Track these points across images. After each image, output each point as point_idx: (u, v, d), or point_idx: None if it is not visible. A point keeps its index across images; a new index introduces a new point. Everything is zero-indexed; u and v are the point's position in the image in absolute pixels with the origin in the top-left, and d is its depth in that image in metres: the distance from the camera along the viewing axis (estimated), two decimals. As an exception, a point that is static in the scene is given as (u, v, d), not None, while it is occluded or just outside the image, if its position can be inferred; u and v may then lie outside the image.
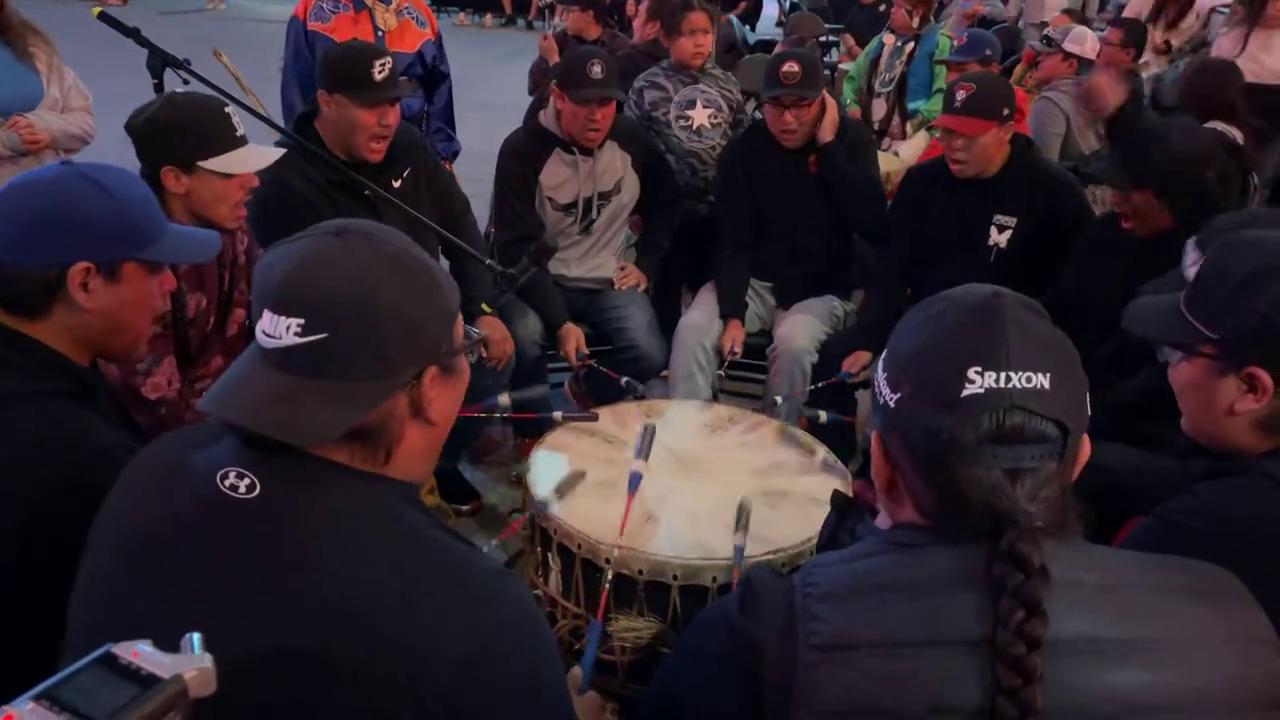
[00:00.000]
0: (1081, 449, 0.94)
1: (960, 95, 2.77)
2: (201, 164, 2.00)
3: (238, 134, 2.06)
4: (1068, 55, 4.31)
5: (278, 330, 0.95)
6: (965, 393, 0.88)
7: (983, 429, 0.88)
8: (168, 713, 0.66)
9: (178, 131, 2.00)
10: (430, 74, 3.67)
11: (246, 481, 0.95)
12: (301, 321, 0.94)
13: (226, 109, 2.07)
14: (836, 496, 1.17)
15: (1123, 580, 0.91)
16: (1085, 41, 4.33)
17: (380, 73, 2.53)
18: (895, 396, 0.93)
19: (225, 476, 0.95)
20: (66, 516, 1.22)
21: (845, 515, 1.12)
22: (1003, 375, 0.88)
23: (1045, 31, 4.80)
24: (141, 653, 0.68)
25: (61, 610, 1.05)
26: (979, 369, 0.88)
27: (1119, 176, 2.42)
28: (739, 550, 1.77)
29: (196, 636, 0.71)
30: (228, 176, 2.03)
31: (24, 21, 2.89)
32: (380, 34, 3.47)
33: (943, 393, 0.89)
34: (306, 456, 0.95)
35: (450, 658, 0.90)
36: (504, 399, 2.05)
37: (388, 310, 0.96)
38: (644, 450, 1.87)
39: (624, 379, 2.36)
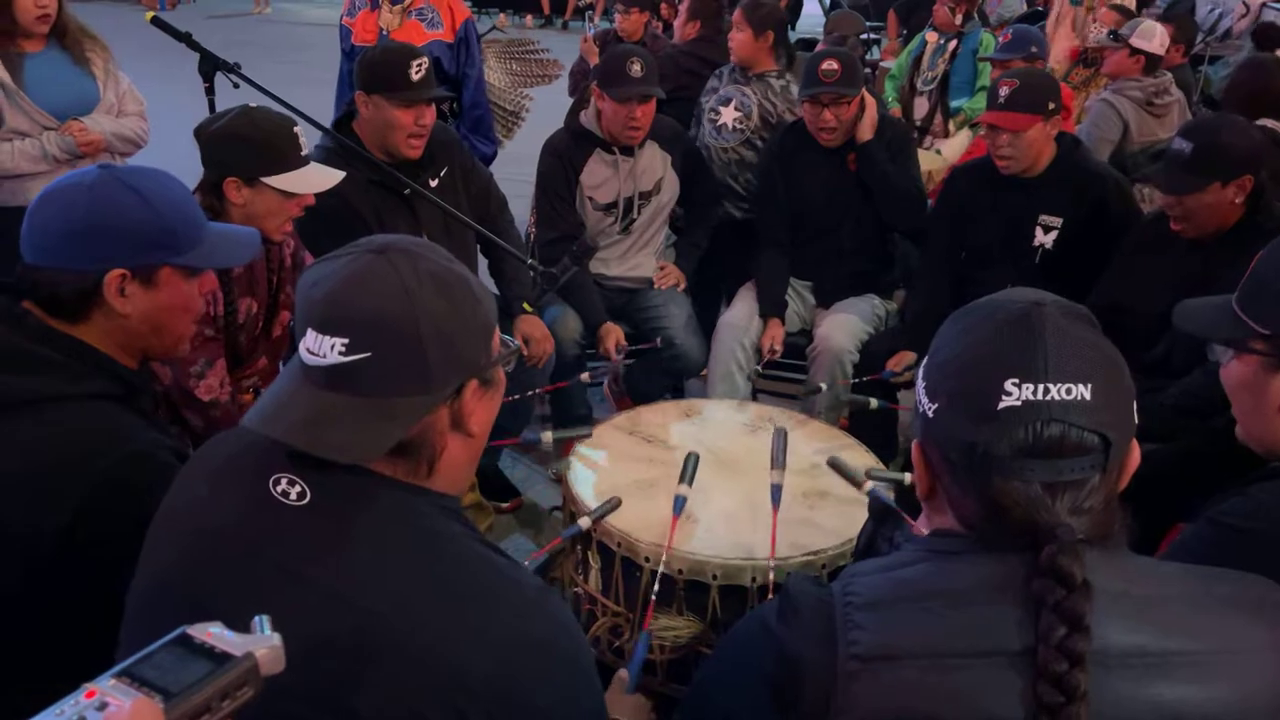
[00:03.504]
0: (1129, 458, 0.92)
1: (1004, 91, 2.73)
2: (266, 180, 2.04)
3: (303, 154, 2.10)
4: (1134, 51, 4.03)
5: (322, 349, 0.97)
6: (1002, 405, 0.87)
7: (1018, 442, 0.87)
8: (241, 687, 0.70)
9: (249, 145, 2.03)
10: (444, 77, 3.55)
11: (298, 489, 0.98)
12: (346, 341, 0.96)
13: (296, 128, 2.11)
14: (874, 504, 1.16)
15: (1168, 592, 0.89)
16: (1154, 37, 4.03)
17: (417, 73, 2.57)
18: (933, 407, 0.93)
19: (278, 482, 0.98)
20: (104, 517, 1.25)
21: (883, 522, 1.11)
22: (1040, 387, 0.86)
23: (1110, 27, 4.61)
24: (214, 633, 0.72)
25: (97, 608, 1.08)
26: (1016, 380, 0.87)
27: (1188, 179, 2.30)
28: (776, 489, 1.78)
29: (265, 618, 0.75)
30: (288, 195, 2.07)
31: (80, 26, 2.93)
32: (384, 33, 3.49)
33: (979, 405, 0.88)
34: (353, 469, 0.98)
35: (482, 671, 0.92)
36: (546, 436, 2.13)
37: (429, 328, 0.97)
38: (689, 477, 1.89)
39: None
